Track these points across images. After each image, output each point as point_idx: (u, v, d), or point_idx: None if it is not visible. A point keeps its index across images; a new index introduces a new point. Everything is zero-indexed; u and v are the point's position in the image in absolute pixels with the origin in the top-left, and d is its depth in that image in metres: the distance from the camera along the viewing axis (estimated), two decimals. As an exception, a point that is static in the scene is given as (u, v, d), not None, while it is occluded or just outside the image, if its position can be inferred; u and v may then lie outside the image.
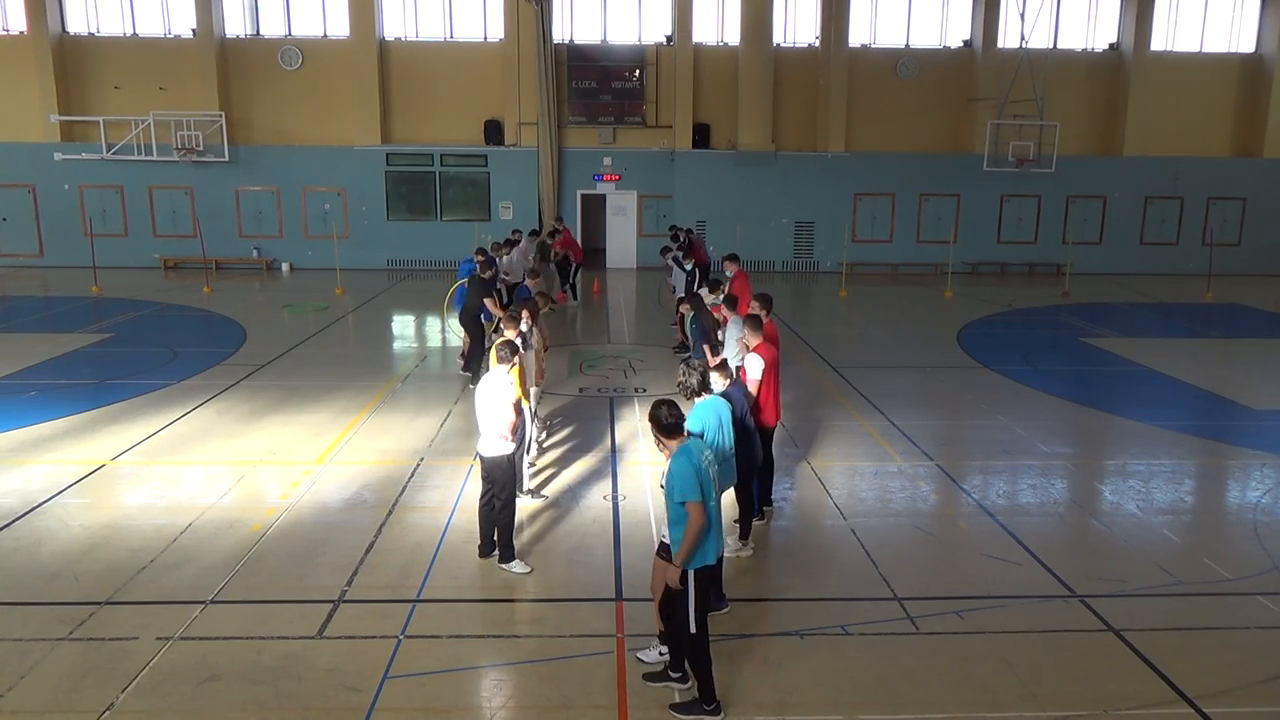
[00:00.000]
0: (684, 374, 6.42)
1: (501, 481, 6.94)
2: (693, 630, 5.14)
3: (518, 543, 7.27)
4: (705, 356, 9.63)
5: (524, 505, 8.13)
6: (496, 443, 6.89)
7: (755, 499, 7.61)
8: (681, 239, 18.17)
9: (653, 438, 5.36)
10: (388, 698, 5.37)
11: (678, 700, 5.33)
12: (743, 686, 5.53)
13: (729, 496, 7.30)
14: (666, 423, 5.22)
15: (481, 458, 7.01)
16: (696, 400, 6.38)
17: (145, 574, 6.85)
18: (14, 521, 7.77)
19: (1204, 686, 5.55)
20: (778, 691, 5.48)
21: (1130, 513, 8.35)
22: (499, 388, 6.90)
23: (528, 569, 7.02)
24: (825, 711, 5.32)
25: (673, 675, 5.44)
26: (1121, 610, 6.48)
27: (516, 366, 7.43)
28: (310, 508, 8.16)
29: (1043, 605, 6.59)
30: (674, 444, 5.21)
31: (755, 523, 7.70)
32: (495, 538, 7.11)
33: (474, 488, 8.55)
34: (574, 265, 19.53)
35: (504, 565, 7.03)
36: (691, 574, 5.11)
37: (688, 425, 6.07)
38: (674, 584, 5.10)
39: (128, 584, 6.69)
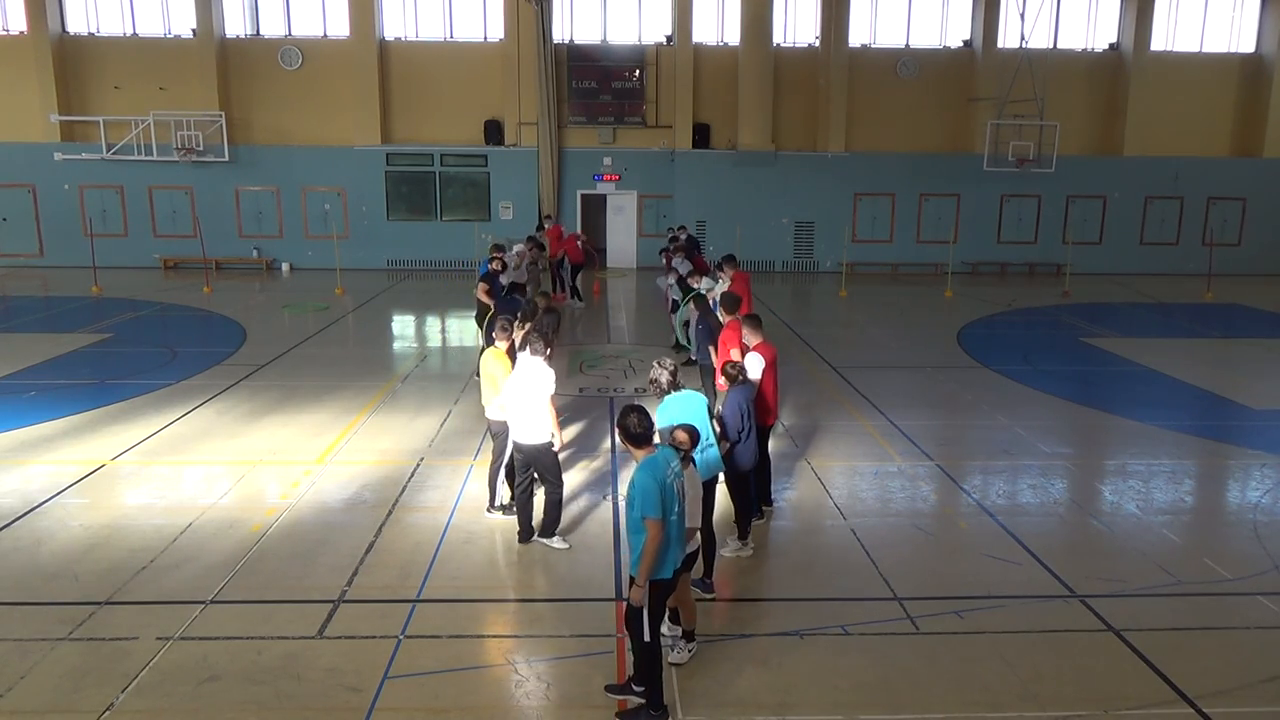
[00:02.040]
0: (656, 371, 6.54)
1: (545, 464, 7.19)
2: (646, 639, 5.09)
3: (516, 542, 7.33)
4: (710, 358, 9.65)
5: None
6: (537, 431, 7.08)
7: (753, 499, 7.62)
8: (682, 239, 18.13)
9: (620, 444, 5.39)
10: (388, 698, 5.37)
11: (629, 707, 5.25)
12: (743, 686, 5.53)
13: (724, 499, 7.32)
14: (635, 432, 5.17)
15: (521, 446, 7.17)
16: (666, 396, 6.46)
17: (145, 574, 6.85)
18: (14, 521, 7.77)
19: (1204, 686, 5.55)
20: (778, 691, 5.48)
21: (1130, 513, 8.35)
22: (540, 378, 7.07)
23: (567, 545, 7.33)
24: (825, 711, 5.32)
25: (635, 689, 5.30)
26: (1121, 610, 6.48)
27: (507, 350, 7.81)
28: (310, 508, 8.16)
29: (1043, 605, 6.59)
30: (642, 454, 5.16)
31: (755, 522, 7.70)
32: (542, 516, 7.36)
33: (474, 488, 8.59)
34: (571, 266, 19.52)
35: (546, 540, 7.34)
36: (649, 586, 5.05)
37: (659, 414, 6.04)
38: (636, 601, 5.01)
39: (128, 584, 6.69)
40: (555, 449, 7.21)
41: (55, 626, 6.08)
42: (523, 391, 7.12)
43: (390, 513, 8.08)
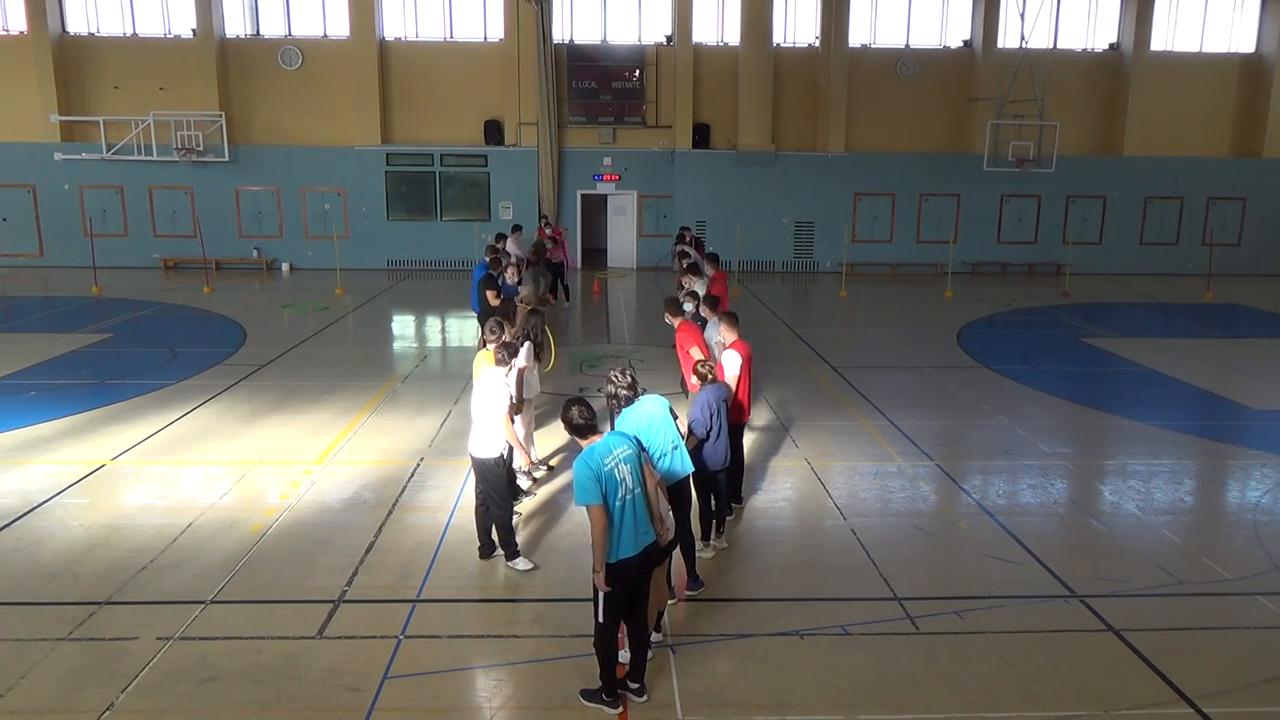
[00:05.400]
0: (611, 384, 6.20)
1: (491, 481, 6.93)
2: (599, 620, 5.18)
3: (518, 542, 7.26)
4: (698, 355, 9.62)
5: (523, 505, 8.18)
6: (486, 444, 6.88)
7: (725, 497, 7.53)
8: (688, 239, 18.07)
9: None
10: (388, 698, 5.37)
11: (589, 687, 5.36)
12: (743, 686, 5.54)
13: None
14: (578, 423, 5.30)
15: (472, 458, 7.01)
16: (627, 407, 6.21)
17: (145, 574, 6.85)
18: (14, 521, 7.77)
19: (1204, 686, 5.56)
20: (778, 691, 5.48)
21: (1130, 513, 8.35)
22: (494, 391, 6.89)
23: (531, 565, 7.03)
24: (825, 711, 5.32)
25: (630, 685, 5.38)
26: (1121, 610, 6.48)
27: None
28: (310, 508, 8.16)
29: (1043, 605, 6.59)
30: (586, 443, 5.25)
31: (726, 518, 7.66)
32: (494, 537, 7.12)
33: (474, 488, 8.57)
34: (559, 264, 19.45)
35: (509, 563, 7.04)
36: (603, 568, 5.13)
37: (619, 426, 5.94)
38: (599, 586, 5.11)
39: (128, 584, 6.69)
40: (516, 465, 6.74)
41: (55, 626, 6.08)
42: (477, 401, 6.94)
43: (390, 513, 8.08)
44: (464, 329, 16.74)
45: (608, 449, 5.18)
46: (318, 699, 5.35)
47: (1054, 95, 24.19)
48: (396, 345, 16.30)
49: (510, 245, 16.63)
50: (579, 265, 24.92)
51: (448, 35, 24.59)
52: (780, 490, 8.78)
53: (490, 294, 11.38)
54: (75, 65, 23.76)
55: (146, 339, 15.71)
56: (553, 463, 9.35)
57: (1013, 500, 8.67)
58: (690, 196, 24.52)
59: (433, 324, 17.97)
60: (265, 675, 5.56)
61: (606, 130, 24.64)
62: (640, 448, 5.42)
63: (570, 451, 9.72)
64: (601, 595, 5.14)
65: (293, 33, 24.36)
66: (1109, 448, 10.43)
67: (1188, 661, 5.84)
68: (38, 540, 7.43)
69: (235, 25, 24.18)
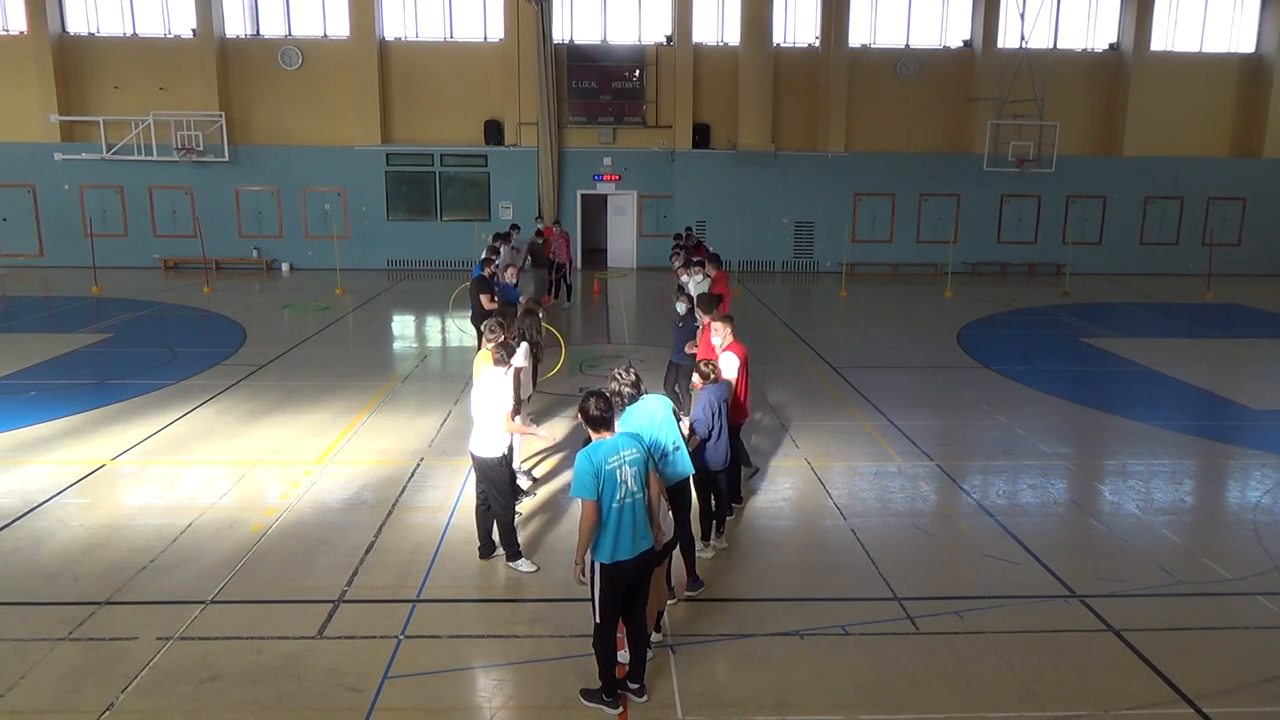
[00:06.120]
0: (614, 385, 6.07)
1: (494, 480, 6.94)
2: (596, 620, 5.23)
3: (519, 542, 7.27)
4: (685, 358, 9.63)
5: (523, 504, 8.18)
6: (488, 443, 6.89)
7: (725, 497, 7.54)
8: (685, 240, 18.06)
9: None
10: (388, 698, 5.37)
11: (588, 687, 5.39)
12: (743, 686, 5.54)
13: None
14: (594, 415, 5.31)
15: (474, 457, 7.00)
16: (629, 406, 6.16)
17: (145, 574, 6.85)
18: (14, 521, 7.77)
19: (1204, 686, 5.55)
20: (778, 691, 5.48)
21: (1130, 513, 8.35)
22: (494, 390, 6.90)
23: (534, 568, 7.02)
24: (825, 711, 5.32)
25: (630, 686, 5.39)
26: (1121, 610, 6.48)
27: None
28: (310, 508, 8.16)
29: (1043, 605, 6.59)
30: (598, 437, 5.26)
31: (726, 518, 7.66)
32: (496, 538, 7.12)
33: (473, 488, 8.57)
34: (556, 265, 19.43)
35: (511, 564, 7.05)
36: (598, 567, 5.13)
37: (621, 425, 5.89)
38: (575, 579, 5.24)
39: (128, 584, 6.69)
40: (516, 465, 6.77)
41: (55, 626, 6.08)
42: (478, 401, 6.94)
43: (390, 513, 8.08)
44: (464, 329, 16.74)
45: (615, 448, 5.19)
46: (318, 699, 5.35)
47: (1054, 95, 24.20)
48: (396, 345, 16.30)
49: (505, 247, 16.57)
50: (579, 265, 24.90)
51: (448, 35, 24.59)
52: (780, 490, 8.78)
53: (485, 298, 11.37)
54: (75, 65, 23.76)
55: (146, 339, 15.71)
56: (547, 465, 9.34)
57: (1013, 500, 8.67)
58: (690, 196, 24.52)
59: (433, 324, 17.96)
60: (265, 675, 5.56)
61: (606, 130, 24.65)
62: (649, 453, 5.41)
63: (569, 450, 9.73)
64: (598, 595, 5.15)
65: (293, 33, 24.37)
66: (1109, 448, 10.42)
67: (1188, 661, 5.83)
68: (38, 540, 7.43)
69: (235, 25, 24.19)
